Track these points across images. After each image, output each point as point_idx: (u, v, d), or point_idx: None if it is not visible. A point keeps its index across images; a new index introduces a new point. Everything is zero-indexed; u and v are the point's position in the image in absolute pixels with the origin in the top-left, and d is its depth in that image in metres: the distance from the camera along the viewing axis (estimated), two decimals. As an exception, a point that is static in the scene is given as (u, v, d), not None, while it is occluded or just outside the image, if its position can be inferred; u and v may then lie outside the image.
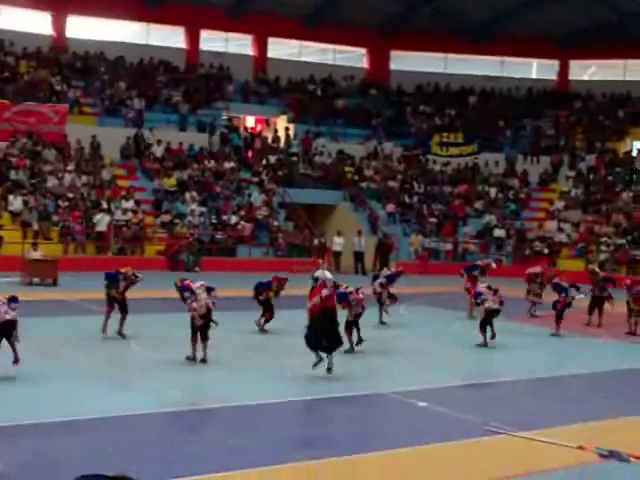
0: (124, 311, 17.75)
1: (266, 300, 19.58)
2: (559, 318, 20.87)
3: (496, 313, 19.06)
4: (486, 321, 18.98)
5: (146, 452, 10.48)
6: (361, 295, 17.49)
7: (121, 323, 17.77)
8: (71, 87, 38.85)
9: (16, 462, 9.84)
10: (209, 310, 15.54)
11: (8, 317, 13.70)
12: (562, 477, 10.54)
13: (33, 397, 12.81)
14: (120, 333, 17.72)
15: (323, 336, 14.80)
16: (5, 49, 39.30)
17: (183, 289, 15.64)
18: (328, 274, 15.83)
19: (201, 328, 15.49)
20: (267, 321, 19.62)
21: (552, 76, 50.21)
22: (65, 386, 13.56)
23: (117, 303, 17.74)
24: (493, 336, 19.01)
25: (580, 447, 11.20)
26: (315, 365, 14.75)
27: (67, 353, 16.13)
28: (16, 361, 13.71)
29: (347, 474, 10.19)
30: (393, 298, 21.37)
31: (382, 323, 21.29)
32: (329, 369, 14.82)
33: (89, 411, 12.03)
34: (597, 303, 22.84)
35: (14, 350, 13.73)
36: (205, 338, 15.56)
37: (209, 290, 15.81)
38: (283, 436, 11.55)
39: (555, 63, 49.95)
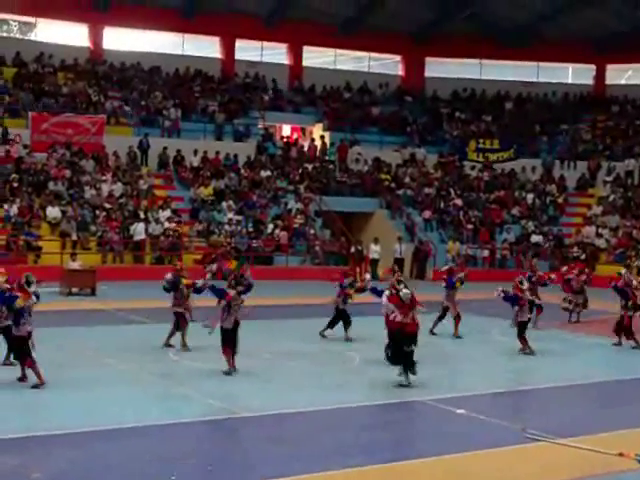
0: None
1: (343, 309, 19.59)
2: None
3: (528, 321, 19.06)
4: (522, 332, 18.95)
5: (185, 461, 10.50)
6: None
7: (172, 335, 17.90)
8: (108, 98, 39.17)
9: (54, 471, 9.92)
10: (237, 324, 15.58)
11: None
12: (602, 484, 10.46)
13: (71, 406, 12.92)
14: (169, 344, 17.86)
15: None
16: (43, 61, 39.74)
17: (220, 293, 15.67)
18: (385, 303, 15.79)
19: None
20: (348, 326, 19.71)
21: (589, 81, 49.79)
22: (103, 395, 13.64)
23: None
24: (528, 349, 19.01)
25: (620, 454, 11.09)
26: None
27: (105, 362, 16.22)
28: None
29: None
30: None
31: (433, 334, 21.13)
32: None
33: (126, 420, 12.11)
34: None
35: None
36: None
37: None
38: (321, 444, 11.55)
39: (592, 67, 49.57)
